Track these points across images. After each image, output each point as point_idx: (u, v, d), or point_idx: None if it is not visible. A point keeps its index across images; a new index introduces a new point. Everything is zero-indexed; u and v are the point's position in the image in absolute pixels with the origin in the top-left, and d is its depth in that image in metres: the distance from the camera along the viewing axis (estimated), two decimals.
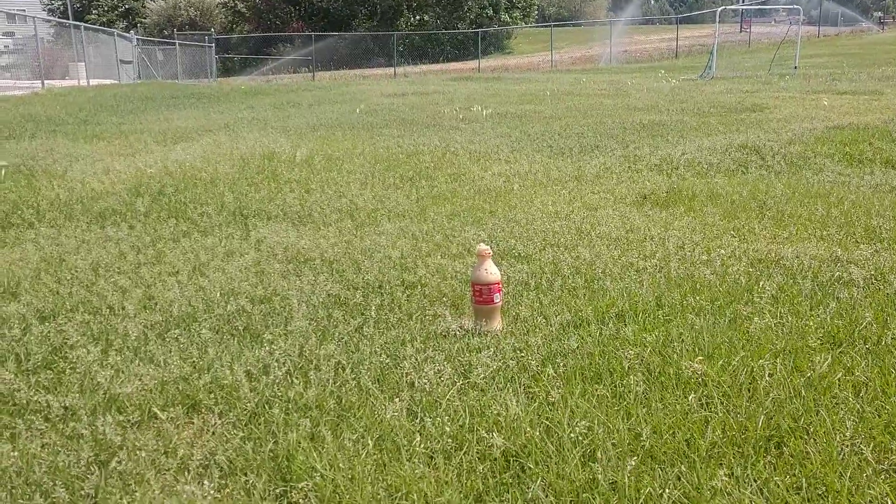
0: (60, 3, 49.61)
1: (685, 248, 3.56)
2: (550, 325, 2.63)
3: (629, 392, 2.08)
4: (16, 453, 1.91)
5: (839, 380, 2.14)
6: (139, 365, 2.38)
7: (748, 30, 38.26)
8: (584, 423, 1.93)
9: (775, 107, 10.27)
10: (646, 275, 3.16)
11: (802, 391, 2.07)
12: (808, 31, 36.02)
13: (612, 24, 40.69)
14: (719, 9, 25.16)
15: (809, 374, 2.17)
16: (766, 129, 7.95)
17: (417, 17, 44.00)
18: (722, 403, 2.02)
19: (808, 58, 22.47)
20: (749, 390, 2.09)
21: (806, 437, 1.87)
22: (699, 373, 2.16)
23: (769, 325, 2.55)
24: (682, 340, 2.42)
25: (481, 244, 2.70)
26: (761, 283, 2.96)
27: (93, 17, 48.79)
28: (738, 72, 19.48)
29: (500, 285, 2.67)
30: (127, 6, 53.02)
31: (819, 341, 2.41)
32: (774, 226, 3.97)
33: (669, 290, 2.96)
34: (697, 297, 2.84)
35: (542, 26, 49.35)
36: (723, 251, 3.48)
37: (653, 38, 42.74)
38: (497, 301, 2.65)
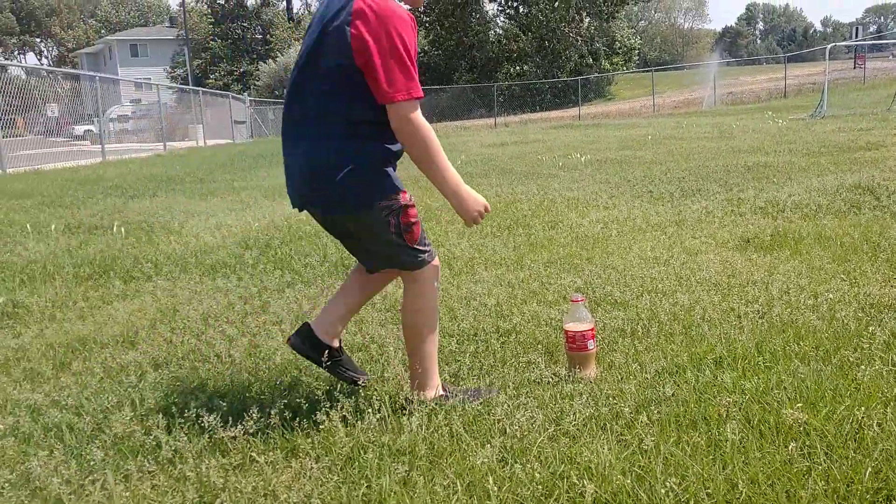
0: (183, 69, 53.07)
1: (790, 293, 3.44)
2: (645, 372, 2.59)
3: (725, 441, 2.02)
4: (128, 493, 2.02)
5: None
6: (243, 410, 2.48)
7: (863, 66, 36.76)
8: (677, 471, 1.88)
9: (893, 145, 9.81)
10: (747, 320, 3.07)
11: None
12: None
13: (716, 66, 40.03)
14: (829, 45, 24.37)
15: None
16: (881, 167, 7.61)
17: (517, 68, 44.59)
18: (825, 454, 1.94)
19: None
20: (855, 440, 1.99)
21: None
22: (801, 421, 2.07)
23: (879, 371, 2.42)
24: (784, 388, 2.34)
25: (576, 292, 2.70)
26: (872, 329, 2.82)
27: (210, 81, 51.81)
28: (852, 110, 18.73)
29: (594, 332, 2.66)
30: (242, 69, 56.11)
31: None
32: (889, 269, 3.79)
33: (771, 335, 2.86)
34: (801, 344, 2.73)
35: (643, 71, 49.06)
36: (831, 295, 3.34)
37: (759, 77, 41.72)
38: (591, 348, 2.64)
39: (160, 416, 2.47)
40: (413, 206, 2.35)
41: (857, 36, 51.14)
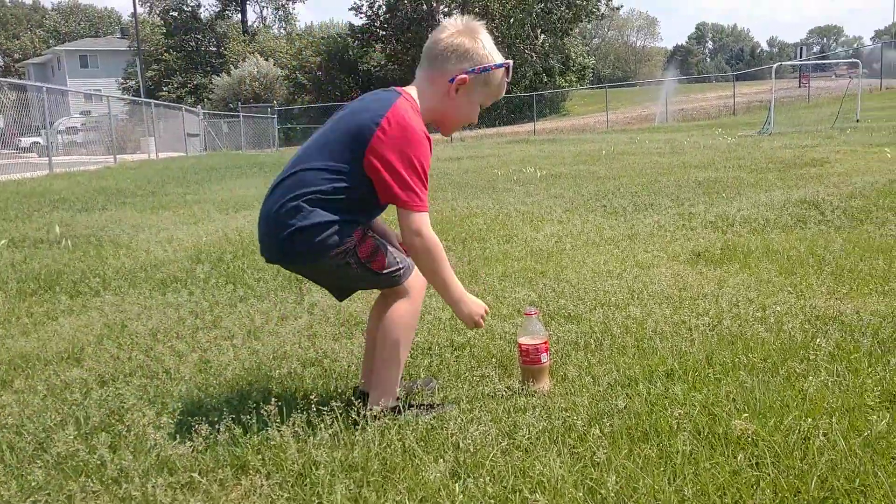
0: (135, 81, 52.34)
1: (739, 306, 3.50)
2: (598, 385, 2.61)
3: (676, 452, 2.04)
4: None
5: None
6: (192, 427, 2.43)
7: (807, 84, 37.86)
8: (629, 483, 1.89)
9: (836, 161, 10.10)
10: (697, 333, 3.11)
11: (859, 451, 1.99)
12: (871, 84, 35.48)
13: (668, 83, 40.80)
14: (775, 64, 25.02)
15: (867, 434, 2.09)
16: (825, 183, 7.81)
17: None
18: (773, 464, 1.96)
19: (871, 111, 22.08)
20: (802, 450, 2.02)
21: (862, 499, 1.80)
22: (749, 432, 2.10)
23: (825, 382, 2.47)
24: (733, 399, 2.37)
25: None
26: (817, 340, 2.88)
27: (164, 93, 51.13)
28: (797, 127, 19.23)
29: (548, 345, 2.67)
30: (195, 82, 55.50)
31: (877, 399, 2.33)
32: (833, 281, 3.88)
33: (721, 348, 2.91)
34: (750, 355, 2.78)
35: (596, 87, 49.77)
36: (778, 308, 3.40)
37: (709, 95, 42.65)
38: (544, 361, 2.64)
39: (105, 434, 2.41)
40: (369, 237, 2.37)
41: (801, 56, 52.65)
